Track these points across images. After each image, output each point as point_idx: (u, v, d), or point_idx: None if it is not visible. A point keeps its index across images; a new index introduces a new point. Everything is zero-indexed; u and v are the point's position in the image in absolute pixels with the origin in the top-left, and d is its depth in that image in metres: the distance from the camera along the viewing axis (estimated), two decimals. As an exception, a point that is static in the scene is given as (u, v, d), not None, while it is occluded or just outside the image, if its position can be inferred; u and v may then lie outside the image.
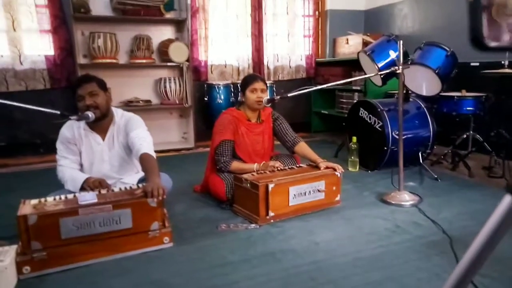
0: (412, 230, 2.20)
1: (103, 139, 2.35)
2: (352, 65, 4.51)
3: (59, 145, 2.32)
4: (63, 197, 2.03)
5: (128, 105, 4.35)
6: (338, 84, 2.81)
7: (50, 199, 2.01)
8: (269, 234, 2.18)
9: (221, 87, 4.56)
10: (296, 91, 2.57)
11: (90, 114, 2.19)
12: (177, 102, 4.52)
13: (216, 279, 1.73)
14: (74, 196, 2.02)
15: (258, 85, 2.66)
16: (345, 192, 2.77)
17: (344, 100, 4.84)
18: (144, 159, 2.16)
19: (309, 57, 5.36)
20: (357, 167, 3.46)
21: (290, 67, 5.29)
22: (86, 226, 1.85)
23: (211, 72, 4.89)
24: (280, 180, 2.31)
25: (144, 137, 2.30)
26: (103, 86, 2.30)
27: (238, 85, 4.18)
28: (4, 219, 2.32)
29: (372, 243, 2.04)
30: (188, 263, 1.87)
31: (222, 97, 4.57)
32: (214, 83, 4.61)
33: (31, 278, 1.76)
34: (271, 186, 2.24)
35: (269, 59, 5.13)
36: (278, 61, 5.21)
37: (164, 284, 1.70)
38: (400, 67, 2.45)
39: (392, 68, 2.50)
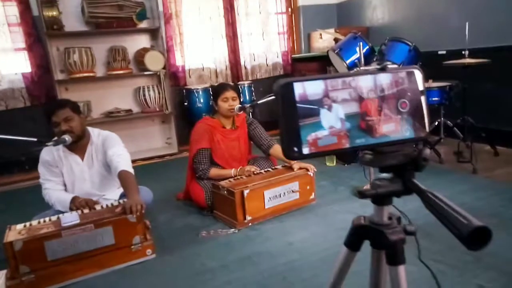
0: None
1: (82, 159, 2.44)
2: (327, 60, 4.60)
3: (41, 169, 2.40)
4: (47, 219, 2.13)
5: (110, 116, 4.42)
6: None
7: (34, 222, 2.10)
8: (247, 237, 2.30)
9: (200, 91, 4.64)
10: (265, 98, 2.67)
11: (67, 138, 2.27)
12: (157, 109, 4.60)
13: (197, 286, 1.85)
14: (58, 218, 2.11)
15: (229, 94, 2.76)
16: (321, 188, 2.91)
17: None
18: (122, 177, 2.25)
19: (285, 53, 5.45)
20: (334, 161, 3.59)
21: (267, 65, 5.38)
22: (70, 246, 1.96)
23: (189, 76, 4.96)
24: (255, 185, 2.43)
25: (122, 155, 2.39)
26: (76, 109, 2.38)
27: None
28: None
29: (341, 238, 2.16)
30: (170, 273, 1.99)
31: (202, 100, 4.65)
32: (192, 87, 4.69)
33: (22, 300, 1.86)
34: (246, 192, 2.36)
35: (245, 59, 5.21)
36: (254, 60, 5.29)
37: (148, 295, 1.82)
38: (362, 68, 2.56)
39: (355, 70, 2.61)
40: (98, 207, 2.24)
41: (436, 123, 3.71)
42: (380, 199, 0.63)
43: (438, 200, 0.54)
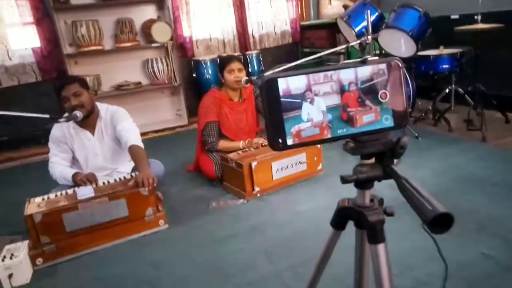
0: (388, 192, 2.37)
1: (93, 134, 2.50)
2: (336, 27, 4.51)
3: (50, 144, 2.48)
4: (64, 192, 2.22)
5: (119, 89, 4.46)
6: (313, 59, 2.88)
7: (52, 195, 2.20)
8: (255, 208, 2.37)
9: (208, 63, 4.63)
10: (273, 70, 2.67)
11: (78, 114, 2.32)
12: (166, 81, 4.61)
13: (207, 256, 1.94)
14: (74, 191, 2.20)
15: (235, 65, 2.76)
16: (329, 159, 2.94)
17: (331, 63, 4.89)
18: (132, 151, 2.32)
19: (293, 21, 5.34)
20: (343, 131, 3.60)
21: (275, 33, 5.30)
22: (86, 218, 2.06)
23: (197, 47, 4.93)
24: (263, 157, 2.47)
25: (130, 129, 2.45)
26: (85, 85, 2.42)
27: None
28: (16, 216, 2.52)
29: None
30: (182, 243, 2.09)
31: (210, 72, 4.64)
32: (200, 59, 4.67)
33: (44, 268, 1.98)
34: (254, 164, 2.41)
35: (253, 28, 5.13)
36: (262, 28, 5.21)
37: (162, 264, 1.92)
38: (369, 37, 2.52)
39: (362, 39, 2.58)
40: (111, 181, 2.32)
41: (447, 90, 3.67)
42: (362, 183, 0.66)
43: (410, 187, 0.57)
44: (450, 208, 1.96)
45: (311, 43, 5.16)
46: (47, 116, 2.24)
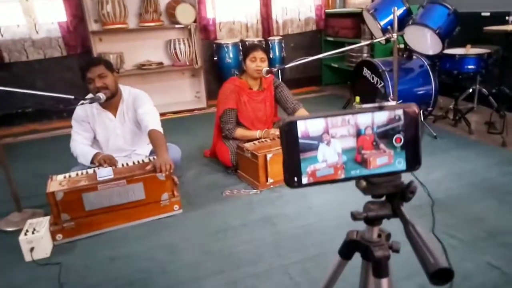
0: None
1: (115, 116, 2.57)
2: (362, 17, 4.42)
3: (73, 123, 2.56)
4: (84, 172, 2.30)
5: (141, 69, 4.51)
6: (336, 53, 2.85)
7: (73, 174, 2.29)
8: (267, 199, 2.42)
9: (230, 46, 4.63)
10: (295, 61, 2.66)
11: (102, 96, 2.38)
12: (188, 63, 4.64)
13: (218, 243, 2.01)
14: (94, 171, 2.28)
15: (258, 54, 2.76)
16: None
17: (354, 54, 4.83)
18: (152, 136, 2.38)
19: (318, 8, 5.26)
20: (360, 125, 3.59)
21: (299, 19, 5.23)
22: (105, 199, 2.14)
23: (220, 30, 4.92)
24: (278, 149, 2.50)
25: (151, 114, 2.50)
26: (110, 67, 2.47)
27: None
28: (37, 189, 2.63)
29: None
30: (195, 229, 2.16)
31: (231, 56, 4.65)
32: (222, 42, 4.67)
33: (63, 243, 2.08)
34: (269, 156, 2.44)
35: (277, 13, 5.08)
36: (287, 14, 5.15)
37: (175, 248, 1.99)
38: (395, 34, 2.49)
39: (387, 35, 2.54)
40: (130, 163, 2.39)
41: (470, 90, 3.60)
42: (371, 220, 0.69)
43: (416, 234, 0.60)
44: (462, 214, 2.01)
45: (335, 32, 5.08)
46: (71, 97, 2.30)
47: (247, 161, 2.56)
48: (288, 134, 0.59)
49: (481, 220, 2.05)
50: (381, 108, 0.60)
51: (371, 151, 0.61)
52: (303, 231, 2.06)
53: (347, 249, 0.77)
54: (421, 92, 3.40)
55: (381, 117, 0.61)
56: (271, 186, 2.53)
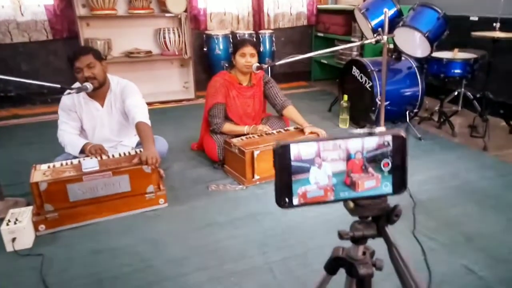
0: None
1: (102, 106, 2.54)
2: (353, 15, 4.44)
3: (60, 112, 2.52)
4: (69, 162, 2.28)
5: (129, 56, 4.45)
6: (327, 53, 2.85)
7: (57, 164, 2.26)
8: (253, 195, 2.43)
9: (220, 38, 4.59)
10: (286, 59, 2.65)
11: (89, 86, 2.34)
12: (177, 53, 4.59)
13: (203, 238, 2.02)
14: (79, 162, 2.26)
15: (247, 49, 2.75)
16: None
17: (343, 51, 4.84)
18: (139, 128, 2.36)
19: (310, 3, 5.25)
20: (347, 124, 3.63)
21: (291, 14, 5.22)
22: (90, 190, 2.12)
23: (210, 20, 4.88)
24: (265, 146, 2.52)
25: (139, 105, 2.48)
26: (99, 56, 2.43)
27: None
28: (19, 176, 2.61)
29: (342, 208, 2.29)
30: (180, 223, 2.16)
31: (221, 47, 4.62)
32: (213, 33, 4.64)
33: (46, 234, 2.07)
34: (256, 152, 2.45)
35: (269, 6, 5.05)
36: (278, 8, 5.13)
37: (160, 242, 2.00)
38: (385, 36, 2.51)
39: (377, 37, 2.56)
40: (116, 155, 2.37)
41: (456, 93, 3.66)
42: (356, 240, 0.70)
43: (399, 257, 0.62)
44: (442, 217, 2.07)
45: (326, 28, 5.09)
46: (57, 86, 2.26)
47: (234, 156, 2.57)
48: (281, 156, 0.60)
49: (460, 224, 2.11)
50: (371, 134, 0.61)
51: (360, 174, 0.63)
52: (287, 229, 2.09)
53: (333, 265, 0.79)
54: (408, 93, 3.45)
55: (371, 142, 0.62)
56: (257, 182, 2.54)
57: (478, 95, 3.38)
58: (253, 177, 2.52)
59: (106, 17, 4.29)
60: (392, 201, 0.68)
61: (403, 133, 0.64)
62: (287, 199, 0.62)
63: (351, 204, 0.66)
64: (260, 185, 2.54)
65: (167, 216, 2.23)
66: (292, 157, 0.60)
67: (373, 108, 3.34)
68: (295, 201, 0.63)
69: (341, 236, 0.68)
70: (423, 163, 2.83)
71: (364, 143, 0.62)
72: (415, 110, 3.50)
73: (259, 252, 1.90)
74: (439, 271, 1.74)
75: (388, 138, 0.63)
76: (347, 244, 0.75)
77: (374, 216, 0.67)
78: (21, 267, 1.83)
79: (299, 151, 0.60)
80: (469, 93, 3.55)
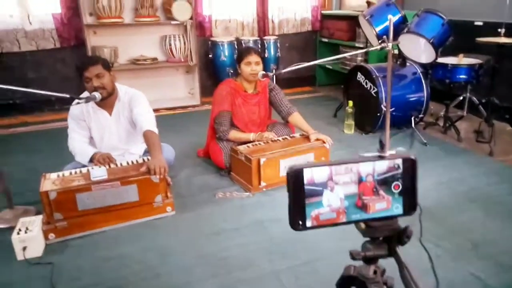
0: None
1: (110, 115, 2.57)
2: (357, 20, 4.46)
3: (70, 121, 2.55)
4: (78, 171, 2.31)
5: (135, 64, 4.49)
6: (332, 60, 2.87)
7: (67, 173, 2.29)
8: (260, 202, 2.45)
9: (225, 45, 4.63)
10: (291, 67, 2.67)
11: (97, 95, 2.38)
12: (182, 59, 4.63)
13: (210, 246, 2.04)
14: (88, 171, 2.29)
15: (252, 58, 2.77)
16: (336, 157, 2.99)
17: (348, 56, 4.85)
18: (147, 137, 2.39)
19: (315, 9, 5.28)
20: (352, 130, 3.64)
21: (295, 19, 5.24)
22: (99, 199, 2.15)
23: (216, 27, 4.91)
24: (272, 153, 2.53)
25: (147, 114, 2.51)
26: (107, 66, 2.47)
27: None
28: (29, 184, 2.64)
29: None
30: (187, 231, 2.18)
31: (226, 54, 4.65)
32: (218, 40, 4.67)
33: (56, 243, 2.09)
34: (263, 160, 2.47)
35: (273, 13, 5.08)
36: (283, 14, 5.16)
37: (168, 250, 2.02)
38: (390, 44, 2.52)
39: (382, 45, 2.57)
40: (124, 163, 2.40)
41: (461, 98, 3.67)
42: (368, 259, 0.72)
43: (411, 279, 0.63)
44: (449, 223, 2.07)
45: (330, 33, 5.11)
46: (67, 95, 2.29)
47: (241, 164, 2.59)
48: (295, 180, 0.62)
49: (466, 230, 2.11)
50: (381, 158, 0.63)
51: (371, 197, 0.64)
52: (294, 236, 2.09)
53: (344, 283, 0.80)
54: (413, 99, 3.46)
55: (382, 165, 0.64)
56: (264, 189, 2.56)
57: (483, 100, 3.38)
58: (259, 184, 2.53)
59: (113, 25, 4.34)
60: (402, 222, 0.69)
61: (413, 156, 0.65)
62: (300, 222, 0.64)
63: (363, 225, 0.67)
64: (267, 192, 2.56)
65: (175, 224, 2.25)
66: (305, 181, 0.62)
67: (378, 114, 3.35)
68: (309, 223, 0.64)
69: (353, 256, 0.70)
70: (428, 169, 2.83)
71: (375, 166, 0.64)
72: (420, 116, 3.50)
73: (267, 260, 1.92)
74: (446, 279, 1.74)
75: (399, 161, 0.65)
76: (358, 261, 0.76)
77: (385, 237, 0.69)
78: (32, 275, 1.86)
79: (312, 175, 0.62)
80: (474, 98, 3.56)
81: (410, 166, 0.65)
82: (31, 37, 4.31)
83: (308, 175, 0.62)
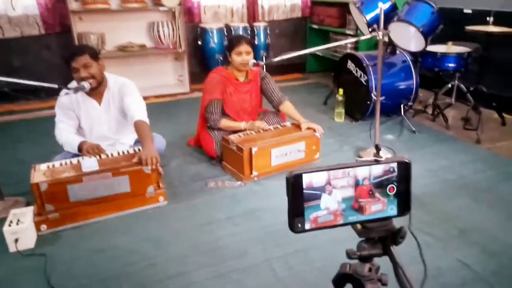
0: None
1: (100, 104, 2.54)
2: (348, 7, 4.44)
3: (57, 110, 2.52)
4: (68, 162, 2.29)
5: (123, 50, 4.42)
6: (323, 49, 2.87)
7: (57, 164, 2.27)
8: (252, 191, 2.47)
9: (214, 31, 4.58)
10: (282, 56, 2.66)
11: (86, 85, 2.34)
12: (171, 46, 4.57)
13: (203, 236, 2.06)
14: (78, 161, 2.27)
15: (243, 48, 2.75)
16: (326, 146, 3.01)
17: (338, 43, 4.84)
18: (138, 127, 2.37)
19: (305, -6, 5.23)
20: (343, 118, 3.66)
21: (285, 5, 5.20)
22: (90, 191, 2.14)
23: (204, 13, 4.84)
24: (263, 143, 2.54)
25: (138, 104, 2.49)
26: (95, 56, 2.43)
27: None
28: (17, 175, 2.62)
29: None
30: (180, 221, 2.19)
31: (216, 41, 4.61)
32: (207, 27, 4.61)
33: (48, 234, 2.09)
34: (254, 149, 2.48)
35: (263, -2, 5.03)
36: (273, -1, 5.11)
37: (161, 240, 2.03)
38: (380, 33, 2.52)
39: (373, 34, 2.58)
40: (115, 154, 2.38)
41: (449, 85, 3.70)
42: (363, 258, 0.74)
43: (404, 277, 0.65)
44: (438, 211, 2.13)
45: (320, 20, 5.09)
46: (55, 86, 2.26)
47: (232, 153, 2.59)
48: (294, 185, 0.63)
49: (454, 218, 2.16)
50: (377, 162, 0.65)
51: (367, 199, 0.66)
52: (286, 225, 2.12)
53: (340, 281, 0.83)
54: (402, 86, 3.49)
55: (378, 169, 0.66)
56: (255, 178, 2.58)
57: (471, 88, 3.42)
58: (251, 173, 2.55)
59: (99, 11, 4.25)
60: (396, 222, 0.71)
61: (407, 160, 0.67)
62: (299, 225, 0.66)
63: (359, 227, 0.69)
64: (258, 181, 2.58)
65: (167, 214, 2.26)
66: (304, 186, 0.63)
67: (368, 102, 3.37)
68: (307, 225, 0.66)
69: (349, 255, 0.72)
70: (417, 157, 2.88)
71: (371, 170, 0.65)
72: (410, 103, 3.54)
73: (260, 249, 1.94)
74: (434, 265, 1.79)
75: (394, 164, 0.66)
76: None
77: (380, 237, 0.71)
78: (25, 267, 1.86)
79: (311, 179, 0.63)
80: (462, 86, 3.59)
81: (404, 169, 0.67)
82: (15, 23, 4.20)
83: (307, 179, 0.63)
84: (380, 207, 0.67)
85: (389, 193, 0.67)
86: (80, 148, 2.41)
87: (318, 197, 0.64)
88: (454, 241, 1.98)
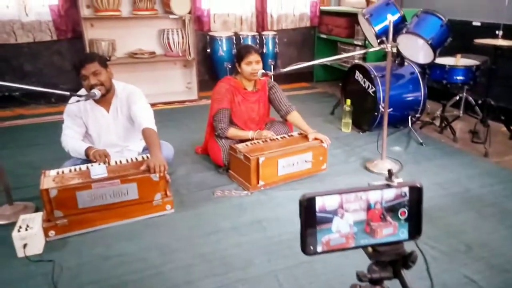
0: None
1: (108, 111, 2.57)
2: (356, 17, 4.46)
3: (65, 117, 2.55)
4: (78, 168, 2.32)
5: (133, 57, 4.47)
6: (332, 60, 2.88)
7: (66, 170, 2.30)
8: (258, 201, 2.48)
9: (223, 40, 4.61)
10: (291, 66, 2.67)
11: (97, 92, 2.38)
12: (180, 54, 4.61)
13: (209, 245, 2.07)
14: (87, 168, 2.30)
15: (253, 57, 2.78)
16: (333, 157, 3.02)
17: (346, 53, 4.87)
18: (145, 134, 2.40)
19: (314, 4, 5.26)
20: (350, 128, 3.66)
21: (294, 15, 5.23)
22: (99, 197, 2.16)
23: (214, 21, 4.89)
24: (270, 153, 2.56)
25: (145, 111, 2.51)
26: (104, 63, 2.46)
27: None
28: (26, 179, 2.65)
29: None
30: (187, 230, 2.20)
31: (224, 49, 4.64)
32: (216, 35, 4.66)
33: (56, 240, 2.11)
34: (261, 159, 2.49)
35: (272, 7, 5.07)
36: (281, 8, 5.14)
37: (167, 249, 2.04)
38: (389, 45, 2.54)
39: (382, 46, 2.59)
40: (123, 161, 2.41)
41: (457, 98, 3.70)
42: (374, 281, 0.75)
43: None
44: (444, 225, 2.11)
45: (329, 30, 5.11)
46: (67, 93, 2.30)
47: (239, 162, 2.61)
48: (307, 208, 0.64)
49: (461, 232, 2.16)
50: (389, 186, 0.66)
51: (379, 223, 0.67)
52: (292, 235, 2.13)
53: None
54: (410, 98, 3.49)
55: (389, 193, 0.67)
56: (262, 188, 2.59)
57: (479, 101, 3.42)
58: (258, 183, 2.56)
59: (111, 18, 4.30)
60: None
61: (419, 184, 0.68)
62: (312, 247, 0.67)
63: (370, 250, 0.70)
64: (265, 191, 2.59)
65: (174, 222, 2.27)
66: (317, 209, 0.64)
67: (376, 113, 3.37)
68: (319, 248, 0.67)
69: (359, 278, 0.72)
70: (424, 169, 2.88)
71: (383, 194, 0.66)
72: (417, 115, 3.53)
73: (265, 260, 1.95)
74: (441, 281, 1.79)
75: (405, 189, 0.67)
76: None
77: (391, 260, 0.72)
78: (32, 273, 1.88)
79: (323, 203, 0.64)
80: (470, 98, 3.59)
81: (416, 194, 0.68)
82: (28, 29, 4.27)
83: (320, 203, 0.64)
84: (392, 231, 0.68)
85: (400, 217, 0.68)
86: (87, 154, 2.44)
87: (330, 220, 0.65)
88: (461, 256, 1.97)
